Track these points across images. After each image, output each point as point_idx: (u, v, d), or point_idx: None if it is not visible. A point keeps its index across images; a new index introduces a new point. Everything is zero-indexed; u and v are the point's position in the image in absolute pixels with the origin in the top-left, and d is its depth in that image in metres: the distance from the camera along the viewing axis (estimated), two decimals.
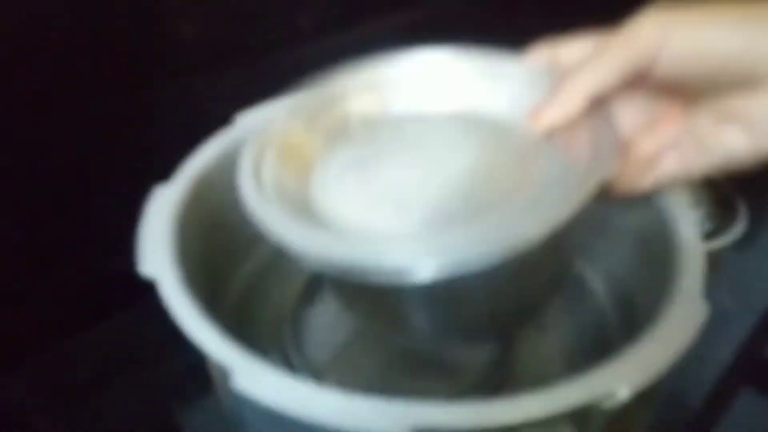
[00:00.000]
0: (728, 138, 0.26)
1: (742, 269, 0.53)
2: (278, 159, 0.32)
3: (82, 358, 0.45)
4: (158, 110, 0.47)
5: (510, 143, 0.33)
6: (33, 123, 0.42)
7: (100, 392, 0.43)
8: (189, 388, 0.43)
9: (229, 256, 0.41)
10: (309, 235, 0.27)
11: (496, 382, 0.37)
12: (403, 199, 0.31)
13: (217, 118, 0.39)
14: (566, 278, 0.39)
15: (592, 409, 0.24)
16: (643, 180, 0.29)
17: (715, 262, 0.42)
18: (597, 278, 0.40)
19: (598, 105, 0.29)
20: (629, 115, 0.30)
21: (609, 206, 0.38)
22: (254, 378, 0.25)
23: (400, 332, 0.36)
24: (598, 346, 0.38)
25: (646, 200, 0.34)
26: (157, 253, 0.31)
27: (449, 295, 0.30)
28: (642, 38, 0.26)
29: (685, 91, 0.28)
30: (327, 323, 0.41)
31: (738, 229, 0.54)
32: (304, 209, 0.30)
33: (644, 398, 0.25)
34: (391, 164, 0.33)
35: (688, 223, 0.31)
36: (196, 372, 0.34)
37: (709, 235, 0.48)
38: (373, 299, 0.33)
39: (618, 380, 0.24)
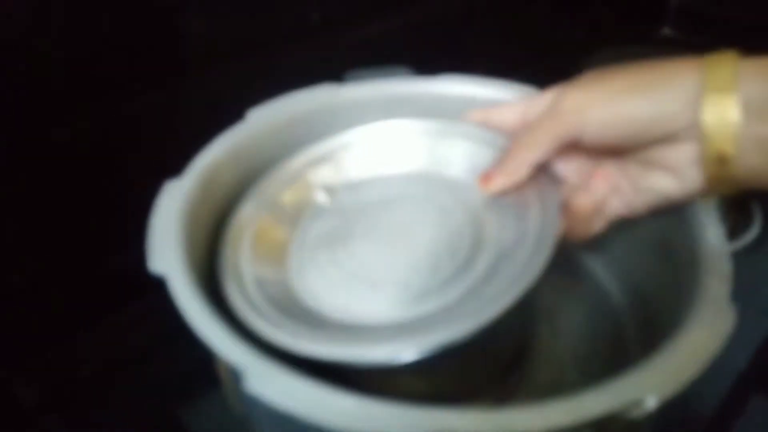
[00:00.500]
0: (658, 182, 0.30)
1: (755, 273, 0.53)
2: (252, 250, 0.34)
3: (88, 355, 0.45)
4: (169, 105, 0.47)
5: (465, 204, 0.35)
6: (43, 119, 0.41)
7: (105, 389, 0.43)
8: (194, 384, 0.42)
9: None
10: (296, 336, 0.28)
11: (511, 387, 0.36)
12: (376, 279, 0.33)
13: (229, 113, 0.39)
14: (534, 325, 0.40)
15: (618, 418, 0.23)
16: (592, 226, 0.33)
17: None
18: (613, 281, 0.39)
19: (541, 167, 0.33)
20: (569, 171, 0.34)
21: None
22: (267, 381, 0.24)
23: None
24: (613, 350, 0.37)
25: None
26: (166, 250, 0.30)
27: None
28: (564, 118, 0.30)
29: (615, 149, 0.31)
30: None
31: (752, 233, 0.53)
32: (285, 298, 0.32)
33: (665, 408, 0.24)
34: (358, 239, 0.35)
35: (713, 227, 0.30)
36: (201, 368, 0.33)
37: None
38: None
39: (646, 389, 0.23)
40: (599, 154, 0.32)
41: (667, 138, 0.28)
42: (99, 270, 0.47)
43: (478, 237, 0.33)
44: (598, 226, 0.33)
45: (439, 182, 0.38)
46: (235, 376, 0.25)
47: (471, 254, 0.32)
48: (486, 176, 0.34)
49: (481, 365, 0.36)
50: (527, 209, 0.32)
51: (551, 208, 0.31)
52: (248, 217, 0.35)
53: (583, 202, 0.32)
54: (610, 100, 0.29)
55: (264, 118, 0.40)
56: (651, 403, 0.23)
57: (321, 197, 0.38)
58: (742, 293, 0.49)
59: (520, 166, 0.32)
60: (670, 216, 0.33)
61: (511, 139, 0.35)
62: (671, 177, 0.30)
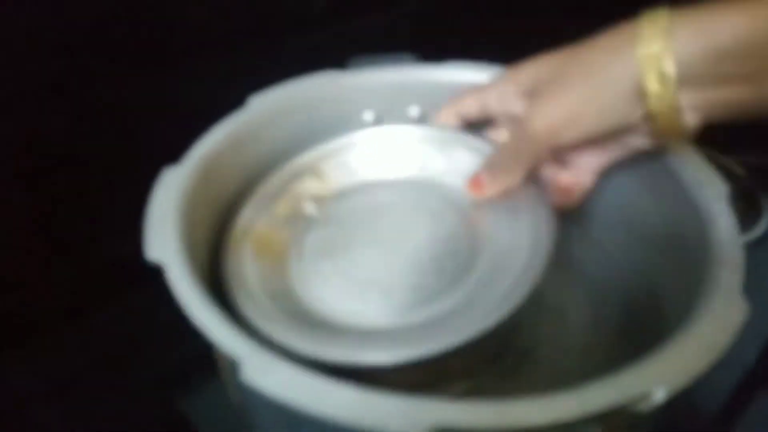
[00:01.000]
0: (629, 142, 0.34)
1: (763, 267, 0.52)
2: (254, 255, 0.34)
3: (85, 344, 0.45)
4: (171, 92, 0.47)
5: (454, 205, 0.37)
6: (45, 107, 0.41)
7: (103, 379, 0.43)
8: (194, 374, 0.42)
9: None
10: (303, 338, 0.29)
11: (507, 371, 0.36)
12: (385, 284, 0.33)
13: (230, 100, 0.38)
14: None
15: (625, 411, 0.22)
16: (576, 196, 0.37)
17: None
18: (620, 270, 0.38)
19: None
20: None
21: (636, 199, 0.37)
22: (265, 371, 0.24)
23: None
24: (619, 340, 0.37)
25: (677, 192, 0.33)
26: (164, 238, 0.30)
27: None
28: (540, 142, 0.33)
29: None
30: None
31: (762, 225, 0.52)
32: (289, 301, 0.33)
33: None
34: (358, 247, 0.35)
35: (725, 216, 0.30)
36: (201, 358, 0.33)
37: None
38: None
39: (654, 381, 0.22)
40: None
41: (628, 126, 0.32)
42: (97, 258, 0.47)
43: (473, 237, 0.34)
44: (580, 194, 0.37)
45: (425, 186, 0.38)
46: (232, 366, 0.25)
47: (471, 254, 0.33)
48: (477, 183, 0.35)
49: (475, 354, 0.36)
50: (516, 205, 0.34)
51: (541, 204, 0.33)
52: (248, 227, 0.35)
53: (564, 176, 0.36)
54: (576, 120, 0.31)
55: (265, 105, 0.39)
56: (659, 396, 0.22)
57: (311, 208, 0.38)
58: (749, 287, 0.48)
59: (514, 177, 0.34)
60: (679, 206, 0.32)
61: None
62: (639, 136, 0.33)
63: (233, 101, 0.38)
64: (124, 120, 0.45)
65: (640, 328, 0.35)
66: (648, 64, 0.28)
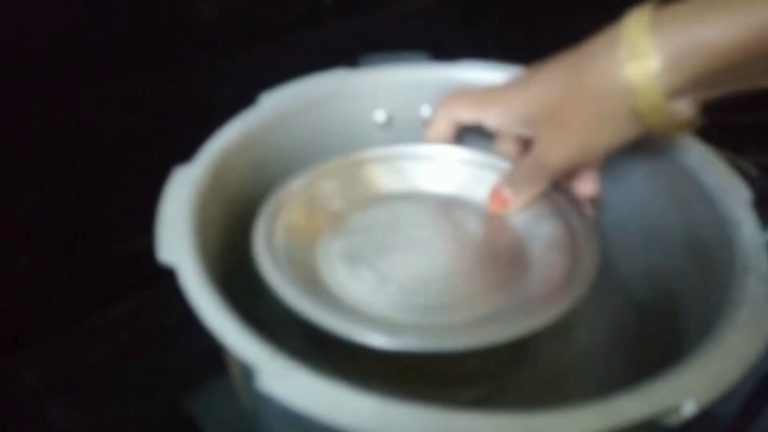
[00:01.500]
0: None
1: None
2: (286, 232, 0.33)
3: (94, 341, 0.44)
4: (181, 90, 0.47)
5: (482, 215, 0.36)
6: (55, 103, 0.41)
7: (111, 376, 0.43)
8: (202, 372, 0.42)
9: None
10: (312, 304, 0.28)
11: (523, 378, 0.36)
12: (403, 282, 0.32)
13: (241, 98, 0.38)
14: None
15: (652, 424, 0.22)
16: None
17: None
18: (636, 276, 0.38)
19: None
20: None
21: (656, 204, 0.36)
22: (282, 378, 0.23)
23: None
24: (635, 344, 0.36)
25: (699, 197, 0.32)
26: (176, 239, 0.29)
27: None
28: (551, 171, 0.34)
29: None
30: None
31: None
32: (308, 272, 0.32)
33: None
34: (389, 247, 0.34)
35: (750, 222, 0.29)
36: (208, 357, 0.33)
37: None
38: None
39: (684, 393, 0.22)
40: None
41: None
42: (107, 256, 0.47)
43: (510, 242, 0.34)
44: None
45: (468, 206, 0.37)
46: (246, 372, 0.24)
47: (506, 264, 0.33)
48: (500, 198, 0.36)
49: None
50: (551, 213, 0.34)
51: (575, 213, 0.34)
52: (292, 194, 0.35)
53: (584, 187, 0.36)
54: (588, 150, 0.32)
55: (277, 103, 0.39)
56: (689, 408, 0.22)
57: (336, 214, 0.36)
58: None
59: (538, 189, 0.35)
60: (701, 211, 0.32)
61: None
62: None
63: (244, 99, 0.38)
64: (135, 118, 0.45)
65: (657, 334, 0.35)
66: (633, 64, 0.28)
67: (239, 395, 0.33)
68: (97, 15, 0.41)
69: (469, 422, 0.21)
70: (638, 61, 0.28)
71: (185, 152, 0.34)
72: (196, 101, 0.46)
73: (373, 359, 0.28)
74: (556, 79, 0.32)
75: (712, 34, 0.26)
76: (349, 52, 0.42)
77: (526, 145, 0.37)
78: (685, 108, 0.29)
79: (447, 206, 0.38)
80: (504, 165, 0.37)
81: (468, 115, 0.37)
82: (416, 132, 0.41)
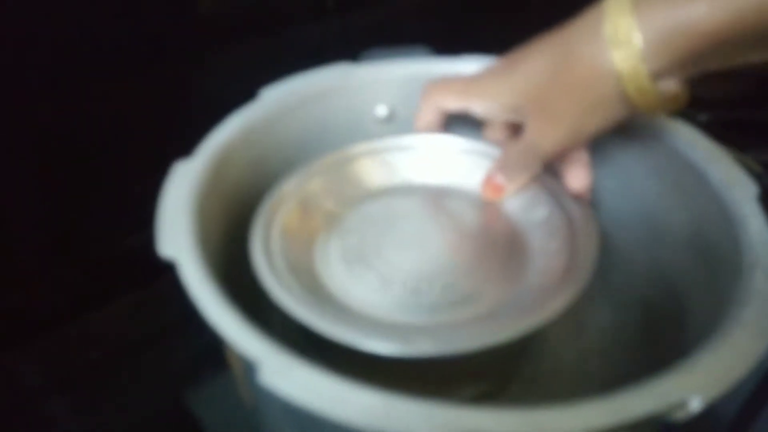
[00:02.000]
0: None
1: None
2: (282, 237, 0.33)
3: (94, 338, 0.45)
4: (182, 84, 0.46)
5: (476, 205, 0.36)
6: (54, 100, 0.41)
7: (112, 373, 0.43)
8: (202, 369, 0.42)
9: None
10: (314, 313, 0.28)
11: (524, 376, 0.36)
12: (405, 280, 0.32)
13: (242, 93, 0.37)
14: None
15: (658, 420, 0.22)
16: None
17: None
18: (641, 271, 0.37)
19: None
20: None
21: (659, 199, 0.36)
22: (284, 374, 0.23)
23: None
24: (638, 341, 0.36)
25: (703, 192, 0.32)
26: (176, 233, 0.29)
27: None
28: (541, 156, 0.34)
29: None
30: None
31: None
32: (308, 278, 0.31)
33: None
34: (388, 243, 0.34)
35: (756, 218, 0.29)
36: (209, 354, 0.33)
37: None
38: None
39: (691, 389, 0.21)
40: None
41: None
42: (107, 252, 0.46)
43: (509, 240, 0.34)
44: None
45: (459, 193, 0.37)
46: (248, 367, 0.24)
47: (506, 257, 0.33)
48: (493, 185, 0.36)
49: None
50: (545, 201, 0.34)
51: (570, 201, 0.33)
52: (286, 195, 0.34)
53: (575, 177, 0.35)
54: (579, 132, 0.32)
55: (277, 98, 0.38)
56: (695, 404, 0.21)
57: (330, 213, 0.36)
58: None
59: (530, 173, 0.35)
60: (706, 206, 0.32)
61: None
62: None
63: (245, 94, 0.38)
64: (135, 113, 0.45)
65: (661, 331, 0.34)
66: (617, 49, 0.28)
67: (240, 391, 0.33)
68: (97, 9, 0.41)
69: (473, 418, 0.21)
70: (623, 46, 0.28)
71: (185, 147, 0.33)
72: (196, 95, 0.46)
73: (374, 358, 0.28)
74: (541, 65, 0.32)
75: (696, 15, 0.26)
76: (350, 47, 0.42)
77: (515, 130, 0.36)
78: (672, 85, 0.29)
79: (440, 197, 0.37)
80: (495, 151, 0.37)
81: (454, 103, 0.37)
82: None
